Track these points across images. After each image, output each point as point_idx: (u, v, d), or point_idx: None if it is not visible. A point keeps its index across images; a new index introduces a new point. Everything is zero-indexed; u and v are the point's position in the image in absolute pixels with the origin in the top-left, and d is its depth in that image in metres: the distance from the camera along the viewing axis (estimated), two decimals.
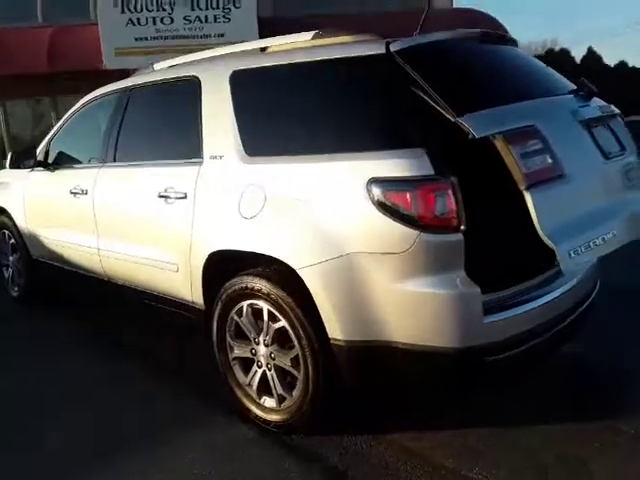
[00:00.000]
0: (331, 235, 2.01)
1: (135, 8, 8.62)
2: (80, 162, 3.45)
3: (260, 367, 2.37)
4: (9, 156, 3.72)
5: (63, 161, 3.57)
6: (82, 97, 3.48)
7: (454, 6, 10.45)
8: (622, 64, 30.07)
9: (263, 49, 2.62)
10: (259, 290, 2.25)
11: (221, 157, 2.44)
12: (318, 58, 2.19)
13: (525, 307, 1.97)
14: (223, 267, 2.44)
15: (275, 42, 2.61)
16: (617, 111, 2.49)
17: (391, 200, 1.85)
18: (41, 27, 9.47)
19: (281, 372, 2.30)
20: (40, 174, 3.69)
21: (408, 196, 1.82)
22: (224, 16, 8.71)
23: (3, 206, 4.09)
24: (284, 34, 8.46)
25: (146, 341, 3.46)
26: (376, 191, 1.88)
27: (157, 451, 2.28)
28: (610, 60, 30.42)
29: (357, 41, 2.26)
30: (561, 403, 2.46)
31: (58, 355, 3.30)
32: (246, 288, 2.30)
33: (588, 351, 2.83)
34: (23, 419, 2.61)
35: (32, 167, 3.74)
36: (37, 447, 2.38)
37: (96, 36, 9.02)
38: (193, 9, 8.64)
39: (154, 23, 8.66)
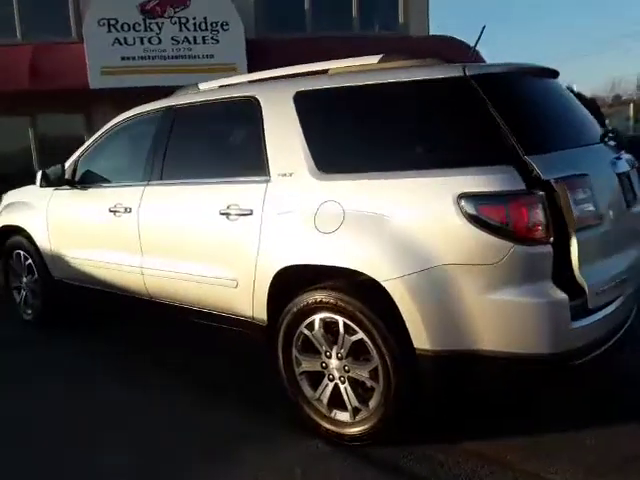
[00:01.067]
0: (418, 248, 2.10)
1: (122, 28, 8.57)
2: (117, 180, 3.41)
3: (332, 380, 2.40)
4: (39, 175, 3.62)
5: (95, 179, 3.52)
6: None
7: (430, 33, 10.90)
8: (568, 90, 32.17)
9: (324, 71, 2.72)
10: (334, 303, 2.30)
11: (291, 174, 2.50)
12: (396, 79, 2.30)
13: (600, 314, 2.11)
14: (293, 282, 2.48)
15: (335, 65, 2.71)
16: (636, 163, 2.74)
17: (485, 214, 1.97)
18: (21, 44, 9.26)
19: (354, 384, 2.35)
20: (68, 193, 3.62)
21: (502, 210, 1.94)
22: (212, 38, 8.77)
23: (21, 225, 3.97)
24: (273, 55, 8.70)
25: (189, 360, 3.42)
26: (468, 205, 1.99)
27: (232, 472, 2.27)
28: None
29: (427, 65, 2.40)
30: (615, 408, 2.60)
31: (92, 378, 3.23)
32: (320, 301, 2.35)
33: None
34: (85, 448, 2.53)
35: (56, 186, 3.67)
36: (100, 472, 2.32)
37: (78, 55, 8.91)
38: (181, 30, 8.67)
39: (142, 43, 8.62)
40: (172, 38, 8.68)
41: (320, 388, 2.44)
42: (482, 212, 1.97)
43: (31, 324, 4.12)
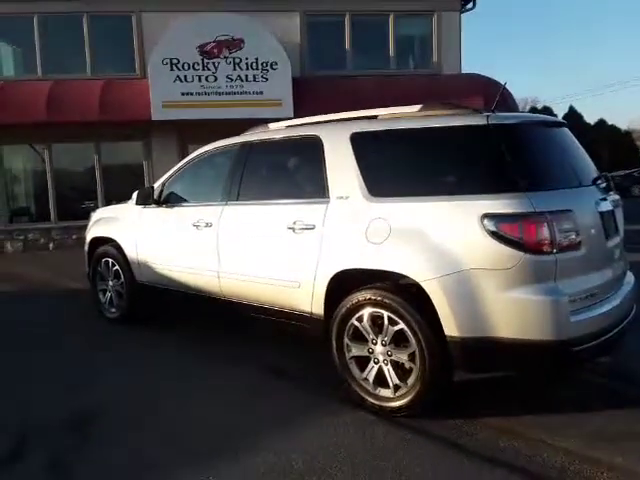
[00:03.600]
0: (449, 256, 2.69)
1: (183, 67, 9.57)
2: (199, 201, 4.11)
3: (377, 363, 2.98)
4: (136, 195, 4.38)
5: (179, 200, 4.25)
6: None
7: (462, 71, 11.59)
8: (601, 122, 32.07)
9: (373, 117, 3.37)
10: (381, 300, 2.90)
11: (347, 197, 3.15)
12: (434, 125, 2.94)
13: (596, 311, 2.65)
14: (346, 283, 3.09)
15: (382, 112, 3.36)
16: (621, 202, 3.26)
17: (502, 230, 2.55)
18: (90, 79, 10.38)
19: (395, 366, 2.92)
20: (156, 210, 4.35)
21: (516, 227, 2.53)
22: (262, 76, 9.69)
23: (111, 236, 4.73)
24: (316, 92, 9.90)
25: (257, 349, 4.05)
26: (489, 223, 2.58)
27: (295, 431, 2.84)
28: (590, 118, 32.44)
29: (458, 113, 3.02)
30: (615, 395, 3.10)
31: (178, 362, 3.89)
32: (369, 299, 2.95)
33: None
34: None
35: (145, 204, 4.40)
36: (199, 437, 2.95)
37: (141, 89, 9.94)
38: (235, 69, 9.62)
39: (199, 80, 9.60)
40: (226, 76, 9.64)
41: (367, 370, 3.01)
42: (500, 228, 2.56)
43: (115, 321, 4.82)
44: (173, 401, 3.25)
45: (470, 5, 11.40)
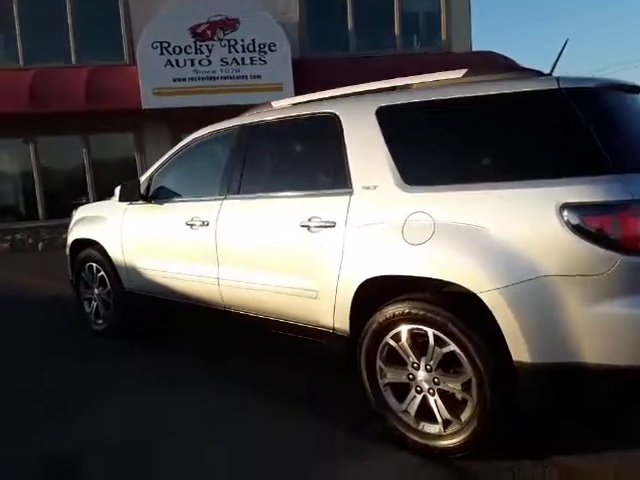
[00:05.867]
0: (517, 259, 2.08)
1: (174, 50, 8.89)
2: (192, 195, 3.49)
3: (419, 392, 2.38)
4: (119, 190, 3.77)
5: (169, 195, 3.63)
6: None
7: (473, 49, 10.92)
8: None
9: (406, 86, 2.75)
10: (423, 314, 2.30)
11: (375, 187, 2.53)
12: (489, 92, 2.31)
13: None
14: (378, 293, 2.49)
15: (416, 80, 2.74)
16: None
17: (590, 224, 1.94)
18: (76, 67, 9.70)
19: (445, 396, 2.32)
20: (142, 207, 3.74)
21: (610, 220, 1.92)
22: (260, 59, 9.01)
23: (95, 239, 4.11)
24: (317, 75, 8.99)
25: (266, 371, 3.43)
26: (572, 215, 1.97)
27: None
28: None
29: (514, 77, 2.40)
30: None
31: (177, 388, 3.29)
32: (408, 313, 2.35)
33: None
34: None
35: (131, 200, 3.79)
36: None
37: (130, 77, 9.28)
38: (230, 52, 8.93)
39: (192, 65, 8.92)
40: (221, 60, 8.96)
41: (407, 400, 2.42)
42: (587, 222, 1.95)
43: (101, 334, 4.20)
44: (171, 440, 2.66)
45: None
